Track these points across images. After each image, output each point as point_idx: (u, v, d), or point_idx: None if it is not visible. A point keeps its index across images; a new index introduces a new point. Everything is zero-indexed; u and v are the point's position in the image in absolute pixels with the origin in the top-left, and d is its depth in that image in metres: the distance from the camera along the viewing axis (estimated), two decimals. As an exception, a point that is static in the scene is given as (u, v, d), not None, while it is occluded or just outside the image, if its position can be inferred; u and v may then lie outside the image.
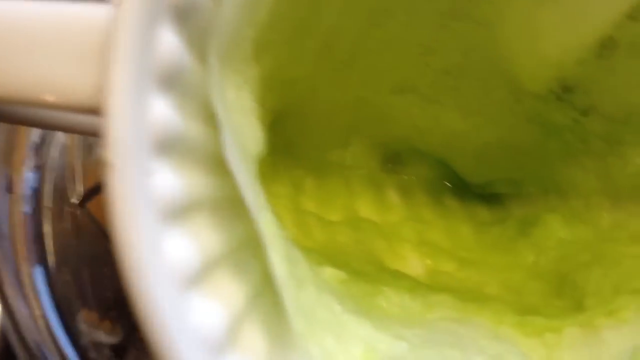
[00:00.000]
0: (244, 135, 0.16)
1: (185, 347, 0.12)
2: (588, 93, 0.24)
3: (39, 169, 0.22)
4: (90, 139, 0.22)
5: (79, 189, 0.23)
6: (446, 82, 0.25)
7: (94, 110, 0.12)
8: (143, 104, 0.13)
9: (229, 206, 0.14)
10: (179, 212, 0.13)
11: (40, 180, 0.21)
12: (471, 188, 0.28)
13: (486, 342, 0.18)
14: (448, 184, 0.28)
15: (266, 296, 0.15)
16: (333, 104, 0.26)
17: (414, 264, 0.23)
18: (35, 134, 0.22)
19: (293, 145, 0.27)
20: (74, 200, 0.23)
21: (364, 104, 0.26)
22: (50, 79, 0.12)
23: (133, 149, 0.12)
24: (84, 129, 0.17)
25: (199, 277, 0.13)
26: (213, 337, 0.13)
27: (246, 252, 0.15)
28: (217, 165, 0.14)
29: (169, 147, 0.13)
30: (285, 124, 0.26)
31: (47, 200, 0.21)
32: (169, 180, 0.13)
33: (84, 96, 0.12)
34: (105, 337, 0.19)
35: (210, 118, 0.14)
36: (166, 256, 0.12)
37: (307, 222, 0.23)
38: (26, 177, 0.20)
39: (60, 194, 0.22)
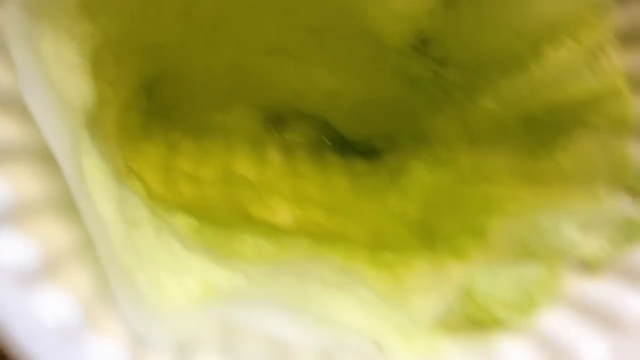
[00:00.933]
0: (63, 86, 0.17)
1: None
2: (443, 45, 0.25)
3: None
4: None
5: None
6: (313, 42, 0.26)
7: None
8: None
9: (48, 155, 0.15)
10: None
11: None
12: (352, 145, 0.29)
13: (330, 274, 0.19)
14: (329, 142, 0.29)
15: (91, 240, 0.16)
16: (209, 69, 0.27)
17: (284, 215, 0.25)
18: None
19: (172, 109, 0.27)
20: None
21: (240, 68, 0.27)
22: None
23: None
24: None
25: (12, 215, 0.14)
26: (27, 271, 0.14)
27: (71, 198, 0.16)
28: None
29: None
30: (162, 90, 0.27)
31: None
32: None
33: None
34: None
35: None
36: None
37: (176, 180, 0.24)
38: None
39: None
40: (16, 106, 0.15)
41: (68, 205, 0.16)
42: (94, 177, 0.16)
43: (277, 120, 0.29)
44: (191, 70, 0.27)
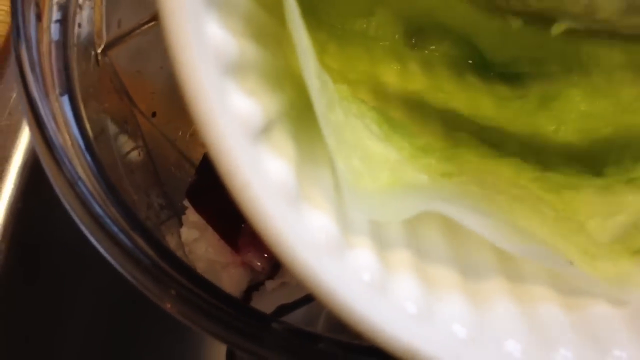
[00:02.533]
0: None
1: (226, 125, 0.12)
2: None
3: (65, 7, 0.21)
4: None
5: (102, 36, 0.23)
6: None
7: None
8: None
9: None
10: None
11: (65, 15, 0.20)
12: (493, 67, 0.28)
13: (505, 187, 0.19)
14: (470, 61, 0.28)
15: (298, 112, 0.15)
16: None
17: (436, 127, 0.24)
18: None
19: (317, 11, 0.26)
20: (98, 48, 0.23)
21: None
22: None
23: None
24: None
25: (240, 69, 0.13)
26: (251, 125, 0.13)
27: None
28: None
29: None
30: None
31: (73, 38, 0.21)
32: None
33: None
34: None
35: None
36: (209, 38, 0.12)
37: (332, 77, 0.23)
38: (54, 9, 0.20)
39: (87, 38, 0.22)
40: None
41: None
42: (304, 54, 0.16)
43: (417, 33, 0.28)
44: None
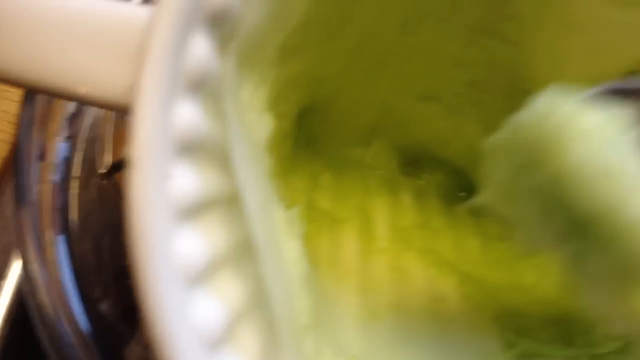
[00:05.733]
0: (257, 133, 0.17)
1: (183, 340, 0.13)
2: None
3: (72, 138, 0.23)
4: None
5: (108, 159, 0.24)
6: (471, 94, 0.26)
7: (124, 109, 0.12)
8: (170, 107, 0.13)
9: (240, 204, 0.15)
10: (193, 211, 0.14)
11: (72, 150, 0.22)
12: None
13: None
14: (463, 193, 0.29)
15: (265, 297, 0.16)
16: (359, 104, 0.27)
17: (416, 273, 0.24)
18: (71, 104, 0.23)
19: (316, 139, 0.28)
20: (102, 170, 0.24)
21: (389, 107, 0.27)
22: (85, 72, 0.13)
23: (155, 151, 0.13)
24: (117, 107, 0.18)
25: (204, 274, 0.14)
26: (211, 333, 0.14)
27: (251, 251, 0.16)
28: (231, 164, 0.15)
29: (191, 148, 0.14)
30: (311, 119, 0.27)
31: (76, 170, 0.22)
32: (187, 181, 0.14)
33: (116, 93, 0.13)
34: (112, 306, 0.20)
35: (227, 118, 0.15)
36: (176, 253, 0.13)
37: (319, 220, 0.24)
38: (58, 147, 0.22)
39: (89, 164, 0.23)
40: (220, 155, 0.15)
41: (247, 258, 0.16)
42: (280, 226, 0.16)
43: (413, 162, 0.29)
44: (341, 102, 0.27)
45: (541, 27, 0.22)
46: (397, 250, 0.25)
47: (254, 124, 0.17)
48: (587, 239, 0.14)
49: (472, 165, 0.28)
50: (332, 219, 0.24)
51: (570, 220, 0.14)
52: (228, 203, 0.15)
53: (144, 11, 0.14)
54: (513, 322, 0.22)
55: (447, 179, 0.29)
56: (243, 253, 0.16)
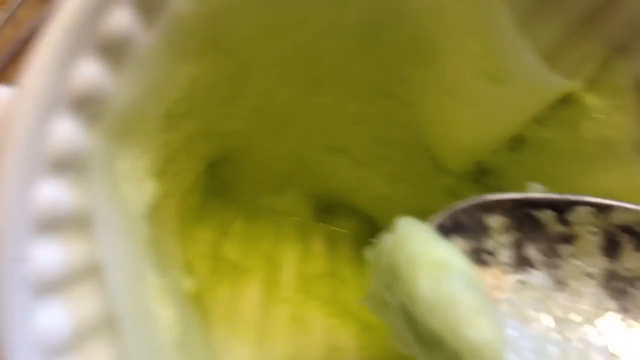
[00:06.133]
0: (133, 202, 0.18)
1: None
2: (501, 178, 0.26)
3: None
4: None
5: None
6: (375, 149, 0.27)
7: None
8: (30, 188, 0.14)
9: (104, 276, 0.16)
10: (56, 286, 0.15)
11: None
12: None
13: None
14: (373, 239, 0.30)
15: None
16: (269, 154, 0.28)
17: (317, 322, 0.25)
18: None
19: (230, 188, 0.28)
20: None
21: (299, 157, 0.28)
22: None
23: (12, 234, 0.14)
24: None
25: (68, 347, 0.15)
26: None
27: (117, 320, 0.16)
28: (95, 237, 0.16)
29: (52, 224, 0.15)
30: (223, 169, 0.28)
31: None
32: (48, 257, 0.14)
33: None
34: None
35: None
36: (36, 329, 0.14)
37: (221, 270, 0.25)
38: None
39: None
40: (85, 228, 0.16)
41: (116, 326, 0.16)
42: (153, 294, 0.17)
43: (326, 209, 0.30)
44: (254, 152, 0.28)
45: (428, 92, 0.23)
46: (300, 300, 0.26)
47: (130, 194, 0.18)
48: (436, 353, 0.15)
49: (380, 214, 0.30)
50: (237, 269, 0.25)
51: (423, 337, 0.16)
52: (95, 273, 0.16)
53: (5, 92, 0.15)
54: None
55: (360, 226, 0.30)
56: (112, 323, 0.16)
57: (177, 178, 0.23)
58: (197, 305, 0.22)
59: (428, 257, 0.15)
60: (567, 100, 0.21)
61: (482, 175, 0.26)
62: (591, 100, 0.20)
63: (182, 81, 0.19)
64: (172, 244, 0.21)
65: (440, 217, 0.18)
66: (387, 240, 0.16)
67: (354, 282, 0.27)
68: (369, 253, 0.18)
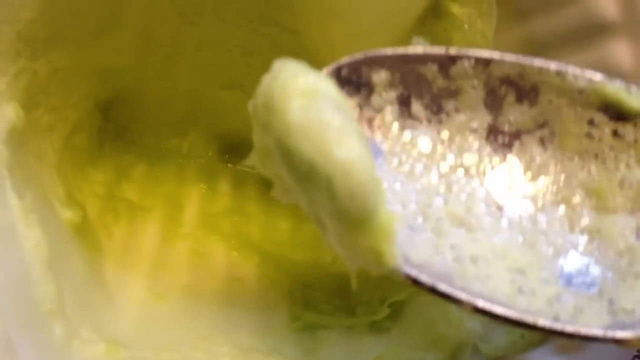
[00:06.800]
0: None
1: None
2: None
3: None
4: None
5: None
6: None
7: None
8: None
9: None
10: None
11: None
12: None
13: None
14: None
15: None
16: (166, 95, 0.27)
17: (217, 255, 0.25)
18: None
19: (127, 130, 0.28)
20: None
21: (196, 96, 0.28)
22: None
23: None
24: None
25: None
26: None
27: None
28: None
29: None
30: (119, 109, 0.27)
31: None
32: None
33: None
34: None
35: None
36: None
37: (116, 209, 0.25)
38: None
39: None
40: None
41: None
42: (17, 214, 0.17)
43: (231, 150, 0.30)
44: (147, 93, 0.27)
45: (309, 16, 0.23)
46: (201, 235, 0.26)
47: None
48: (312, 188, 0.15)
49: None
50: (135, 208, 0.25)
51: (298, 171, 0.15)
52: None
53: None
54: (302, 297, 0.23)
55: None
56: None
57: (57, 113, 0.23)
58: (81, 237, 0.21)
59: (299, 84, 0.15)
60: (436, 13, 0.21)
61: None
62: (457, 9, 0.20)
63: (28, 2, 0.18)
64: (49, 176, 0.21)
65: (324, 71, 0.18)
66: (264, 79, 0.16)
67: (258, 218, 0.27)
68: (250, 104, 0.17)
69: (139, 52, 0.25)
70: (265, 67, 0.26)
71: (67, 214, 0.21)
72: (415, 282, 0.16)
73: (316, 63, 0.25)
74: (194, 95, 0.28)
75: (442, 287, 0.16)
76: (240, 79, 0.27)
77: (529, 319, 0.16)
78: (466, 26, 0.20)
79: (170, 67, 0.26)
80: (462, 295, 0.16)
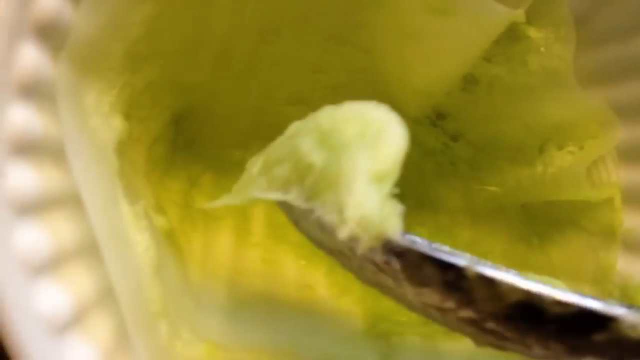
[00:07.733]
0: (102, 135, 0.18)
1: (27, 325, 0.14)
2: (456, 121, 0.27)
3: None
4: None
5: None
6: (335, 97, 0.28)
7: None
8: (2, 111, 0.15)
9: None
10: (35, 207, 0.15)
11: None
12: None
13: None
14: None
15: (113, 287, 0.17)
16: (234, 109, 0.28)
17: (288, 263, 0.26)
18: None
19: (196, 141, 0.29)
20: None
21: (263, 111, 0.29)
22: None
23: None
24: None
25: (50, 265, 0.15)
26: (57, 319, 0.15)
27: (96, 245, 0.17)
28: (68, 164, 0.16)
29: (27, 148, 0.15)
30: (189, 124, 0.28)
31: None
32: (25, 178, 0.15)
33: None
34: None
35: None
36: (16, 246, 0.15)
37: (193, 217, 0.26)
38: None
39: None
40: (58, 155, 0.16)
41: (95, 251, 0.17)
42: (128, 221, 0.18)
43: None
44: (218, 107, 0.28)
45: (382, 36, 0.24)
46: (270, 244, 0.27)
47: (98, 127, 0.18)
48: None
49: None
50: (208, 217, 0.26)
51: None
52: (72, 200, 0.17)
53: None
54: (375, 306, 0.24)
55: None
56: (91, 247, 0.17)
57: (143, 125, 0.24)
58: (170, 242, 0.22)
59: None
60: (512, 36, 0.22)
61: (439, 119, 0.27)
62: (534, 33, 0.21)
63: (141, 19, 0.19)
64: (141, 184, 0.22)
65: None
66: None
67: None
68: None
69: (214, 68, 0.26)
70: (333, 84, 0.28)
71: (160, 221, 0.22)
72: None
73: (385, 81, 0.26)
74: (260, 111, 0.29)
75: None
76: (308, 95, 0.28)
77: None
78: (542, 49, 0.21)
79: (242, 83, 0.27)
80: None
